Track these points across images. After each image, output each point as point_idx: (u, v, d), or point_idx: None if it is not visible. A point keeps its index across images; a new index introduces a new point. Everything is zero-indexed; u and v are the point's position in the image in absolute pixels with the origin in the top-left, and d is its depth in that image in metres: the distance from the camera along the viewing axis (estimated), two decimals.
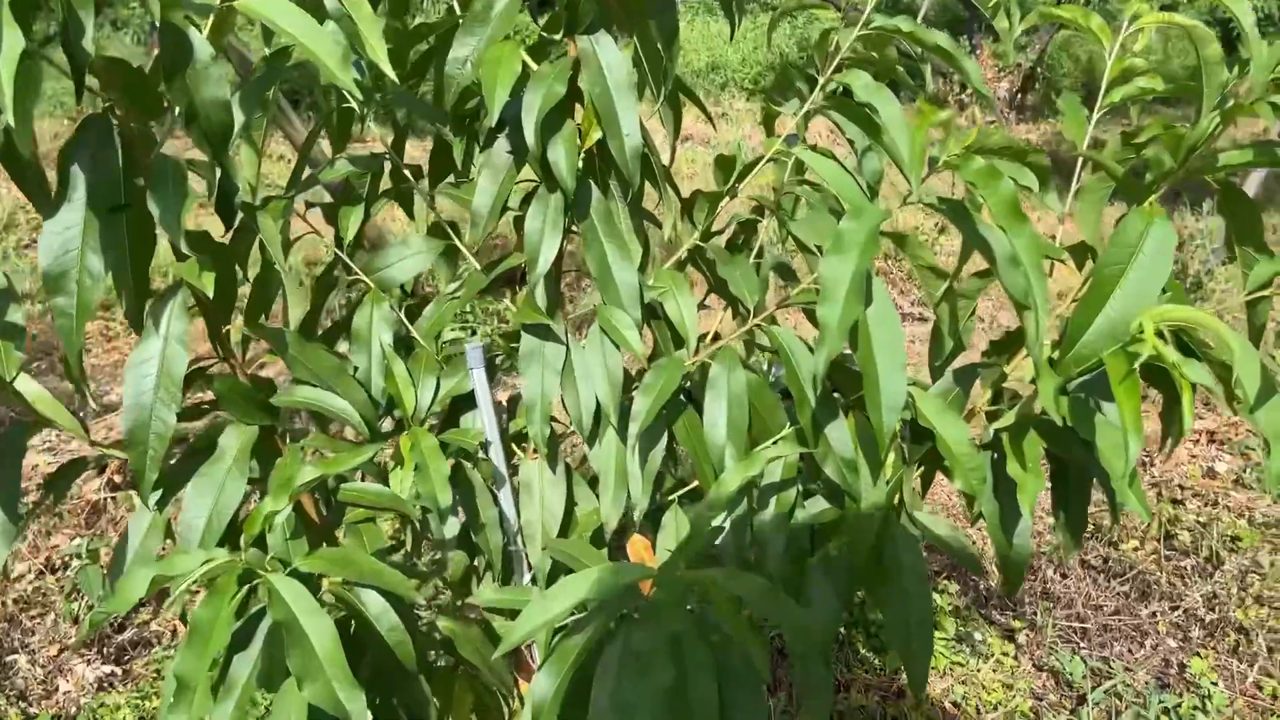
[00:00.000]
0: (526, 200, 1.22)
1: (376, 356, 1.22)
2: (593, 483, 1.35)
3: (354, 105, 1.22)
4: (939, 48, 1.17)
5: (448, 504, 1.10)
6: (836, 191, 1.18)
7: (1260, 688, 2.67)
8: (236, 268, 1.10)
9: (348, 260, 1.24)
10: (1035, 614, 2.96)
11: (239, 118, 1.10)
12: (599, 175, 1.24)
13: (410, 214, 1.35)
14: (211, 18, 0.94)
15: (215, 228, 1.06)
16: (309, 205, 1.26)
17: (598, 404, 1.18)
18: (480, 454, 1.25)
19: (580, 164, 1.14)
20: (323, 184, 1.24)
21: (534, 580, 1.28)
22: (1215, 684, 2.65)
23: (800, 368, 1.07)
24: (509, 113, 1.10)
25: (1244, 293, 1.03)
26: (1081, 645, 2.85)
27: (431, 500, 1.11)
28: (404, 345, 1.29)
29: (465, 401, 1.27)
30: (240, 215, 1.06)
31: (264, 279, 1.17)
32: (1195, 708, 2.57)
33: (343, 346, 1.28)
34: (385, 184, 1.29)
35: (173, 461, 1.09)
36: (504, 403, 1.43)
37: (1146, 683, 2.68)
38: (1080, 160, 1.13)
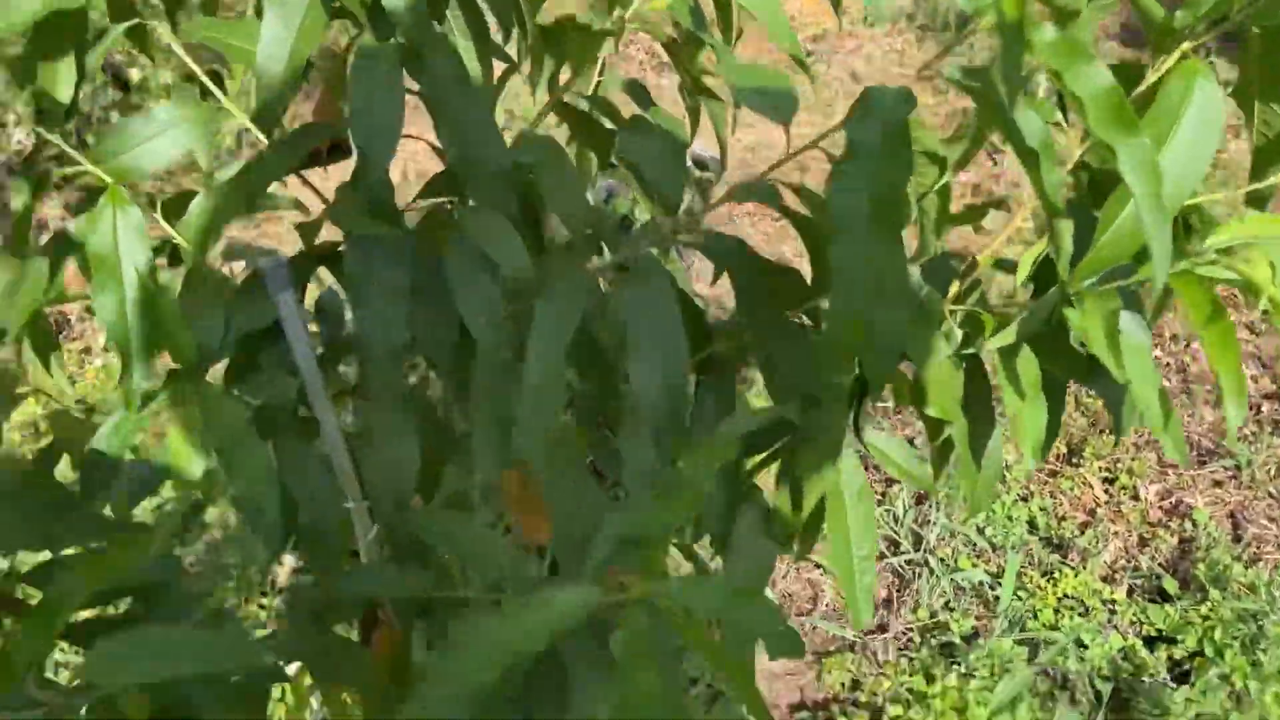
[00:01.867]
0: None
1: (131, 287, 0.83)
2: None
3: None
4: None
5: (276, 517, 0.78)
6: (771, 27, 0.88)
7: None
8: None
9: (63, 145, 0.82)
10: None
11: None
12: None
13: (148, 54, 0.92)
14: None
15: None
16: None
17: (463, 337, 0.87)
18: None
19: None
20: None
21: (383, 552, 0.98)
22: None
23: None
24: None
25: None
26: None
27: (253, 501, 0.79)
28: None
29: (265, 335, 0.91)
30: None
31: None
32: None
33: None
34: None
35: None
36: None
37: None
38: None
